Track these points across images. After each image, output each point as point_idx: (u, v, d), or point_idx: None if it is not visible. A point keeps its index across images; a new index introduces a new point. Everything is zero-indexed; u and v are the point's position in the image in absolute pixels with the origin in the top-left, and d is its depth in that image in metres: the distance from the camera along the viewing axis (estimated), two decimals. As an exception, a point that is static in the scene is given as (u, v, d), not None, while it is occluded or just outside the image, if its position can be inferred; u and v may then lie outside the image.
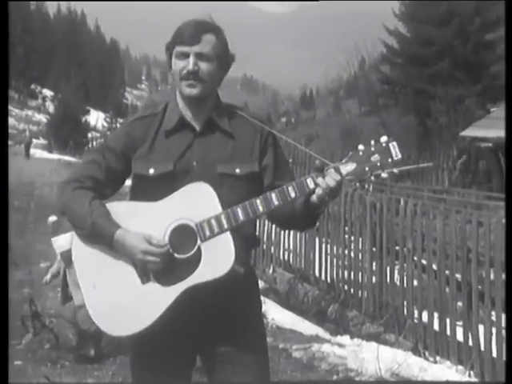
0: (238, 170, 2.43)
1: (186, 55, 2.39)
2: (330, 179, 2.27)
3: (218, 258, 2.26)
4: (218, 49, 2.42)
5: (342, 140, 43.71)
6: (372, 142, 2.29)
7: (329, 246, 9.19)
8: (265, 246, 10.38)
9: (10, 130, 32.33)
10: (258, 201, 2.30)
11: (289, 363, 6.28)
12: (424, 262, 7.57)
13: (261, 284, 9.48)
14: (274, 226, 9.79)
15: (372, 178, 2.29)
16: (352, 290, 8.61)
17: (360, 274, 8.50)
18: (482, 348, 6.62)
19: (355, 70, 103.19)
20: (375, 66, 47.59)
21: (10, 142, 25.05)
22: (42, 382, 5.60)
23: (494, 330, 6.51)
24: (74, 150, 40.25)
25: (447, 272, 7.16)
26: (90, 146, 43.73)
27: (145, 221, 2.35)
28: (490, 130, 20.63)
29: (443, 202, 15.30)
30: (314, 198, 2.31)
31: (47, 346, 6.64)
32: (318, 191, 2.28)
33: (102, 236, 2.35)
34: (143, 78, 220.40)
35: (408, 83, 31.05)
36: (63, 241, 7.08)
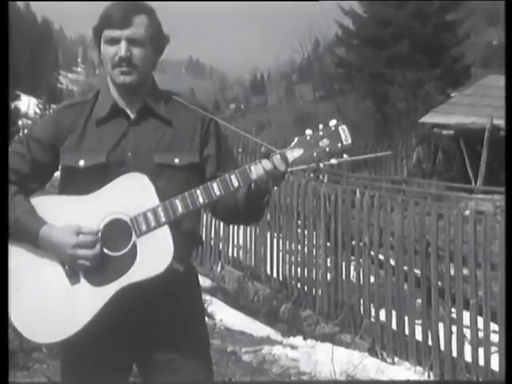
0: (176, 160, 2.41)
1: (116, 40, 2.36)
2: (273, 165, 2.26)
3: (155, 255, 2.24)
4: (150, 31, 2.40)
5: (296, 127, 43.80)
6: (320, 126, 2.29)
7: (281, 242, 9.21)
8: (212, 242, 10.36)
9: None
10: (199, 191, 2.29)
11: (238, 367, 6.28)
12: (381, 257, 7.65)
13: (208, 283, 9.47)
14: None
15: (321, 164, 2.29)
16: (305, 288, 8.65)
17: (314, 270, 8.54)
18: (442, 347, 6.73)
19: (309, 52, 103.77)
20: (330, 49, 47.89)
21: None
22: (41, 382, 5.64)
23: (454, 329, 6.62)
24: (2, 138, 39.52)
25: (406, 267, 7.25)
26: (20, 134, 42.95)
27: (74, 216, 2.31)
28: (450, 116, 20.96)
29: (402, 194, 15.48)
30: (256, 185, 2.30)
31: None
32: (261, 178, 2.27)
33: (26, 234, 2.31)
34: (79, 60, 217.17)
35: (364, 66, 31.29)
36: None
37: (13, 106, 47.39)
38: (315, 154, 2.27)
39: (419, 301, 7.13)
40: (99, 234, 2.28)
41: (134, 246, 2.27)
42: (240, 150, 18.53)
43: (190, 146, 2.46)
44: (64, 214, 2.33)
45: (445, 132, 21.36)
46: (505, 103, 3.12)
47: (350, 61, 33.98)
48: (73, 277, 2.29)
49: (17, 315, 2.31)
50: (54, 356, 5.90)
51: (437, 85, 27.30)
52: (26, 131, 41.33)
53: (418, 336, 7.00)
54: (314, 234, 8.64)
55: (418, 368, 6.87)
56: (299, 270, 8.79)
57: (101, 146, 2.40)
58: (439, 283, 6.87)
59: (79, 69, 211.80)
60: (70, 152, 2.42)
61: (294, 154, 2.28)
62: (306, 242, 8.78)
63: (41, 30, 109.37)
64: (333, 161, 2.28)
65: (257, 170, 2.27)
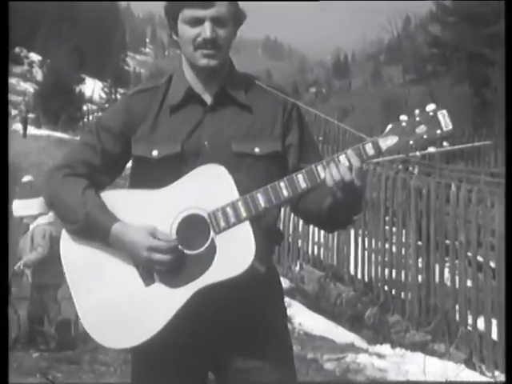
0: (257, 149, 2.40)
1: (199, 21, 2.35)
2: (364, 155, 2.21)
3: (235, 254, 2.24)
4: (232, 9, 2.39)
5: (383, 113, 43.49)
6: (416, 112, 2.24)
7: (366, 239, 9.16)
8: (290, 239, 10.38)
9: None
10: (282, 184, 2.27)
11: (319, 376, 6.32)
12: (480, 258, 7.53)
13: (286, 283, 9.51)
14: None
15: (417, 153, 2.25)
16: (393, 291, 8.60)
17: (403, 272, 8.47)
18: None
19: (398, 30, 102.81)
20: (422, 26, 47.25)
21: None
22: (42, 382, 5.93)
23: None
24: (66, 125, 40.37)
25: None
26: (85, 120, 43.84)
27: (147, 212, 2.33)
28: (559, 101, 20.42)
29: (503, 188, 15.19)
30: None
31: (36, 354, 6.81)
32: (354, 170, 2.20)
33: (96, 231, 2.33)
34: (147, 40, 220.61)
35: (462, 46, 30.77)
36: (24, 205, 7.30)
37: (77, 89, 48.55)
38: (411, 142, 2.23)
39: (523, 308, 6.99)
40: (176, 240, 2.28)
41: (213, 243, 2.26)
42: (321, 138, 18.49)
43: (270, 133, 2.45)
44: (137, 209, 2.34)
45: (552, 119, 20.83)
46: (505, 102, 3.05)
47: (446, 39, 33.47)
48: (147, 278, 2.31)
49: (87, 318, 2.34)
50: (122, 360, 6.05)
51: (544, 66, 26.58)
52: (91, 118, 42.23)
53: (523, 348, 6.85)
54: (404, 231, 8.57)
55: (522, 383, 6.73)
56: (386, 271, 8.74)
57: (175, 135, 2.40)
58: (546, 289, 6.71)
59: (147, 50, 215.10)
60: (143, 141, 2.43)
61: (387, 142, 2.24)
62: (394, 241, 8.71)
63: (107, 9, 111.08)
64: (431, 149, 2.24)
65: (346, 160, 2.24)
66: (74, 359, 6.61)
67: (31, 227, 7.61)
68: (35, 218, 7.63)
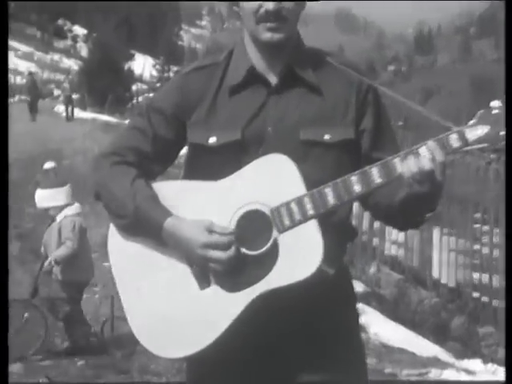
0: (327, 137, 2.38)
1: None
2: (447, 147, 2.19)
3: (300, 256, 2.23)
4: None
5: (472, 95, 43.03)
6: None
7: (452, 239, 9.08)
8: (365, 237, 10.34)
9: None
10: (354, 178, 2.25)
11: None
12: None
13: (360, 287, 9.47)
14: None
15: None
16: (484, 299, 8.51)
17: (495, 276, 8.38)
18: None
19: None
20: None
21: (23, 97, 25.63)
22: (42, 382, 6.18)
23: None
24: (113, 106, 40.81)
25: None
26: (134, 101, 44.25)
27: (203, 206, 2.33)
28: None
29: None
30: (423, 170, 2.20)
31: (81, 362, 6.95)
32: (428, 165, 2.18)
33: (147, 226, 2.34)
34: (204, 12, 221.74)
35: None
36: (49, 195, 7.42)
37: (126, 67, 49.08)
38: (503, 133, 2.20)
39: None
40: (234, 234, 2.27)
41: (275, 243, 2.25)
42: (400, 123, 18.33)
43: (342, 118, 2.42)
44: (192, 203, 2.35)
45: None
46: (505, 103, 3.01)
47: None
48: (202, 280, 2.31)
49: (136, 321, 2.36)
50: (176, 369, 6.13)
51: None
52: (141, 99, 42.68)
53: None
54: (497, 231, 8.47)
55: None
56: (476, 275, 8.65)
57: (235, 120, 2.39)
58: None
59: (204, 22, 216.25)
60: (199, 127, 2.42)
61: (477, 132, 2.20)
62: (484, 241, 8.62)
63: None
64: None
65: (426, 152, 2.21)
66: (123, 368, 6.70)
67: (58, 219, 7.63)
68: (61, 209, 7.64)
